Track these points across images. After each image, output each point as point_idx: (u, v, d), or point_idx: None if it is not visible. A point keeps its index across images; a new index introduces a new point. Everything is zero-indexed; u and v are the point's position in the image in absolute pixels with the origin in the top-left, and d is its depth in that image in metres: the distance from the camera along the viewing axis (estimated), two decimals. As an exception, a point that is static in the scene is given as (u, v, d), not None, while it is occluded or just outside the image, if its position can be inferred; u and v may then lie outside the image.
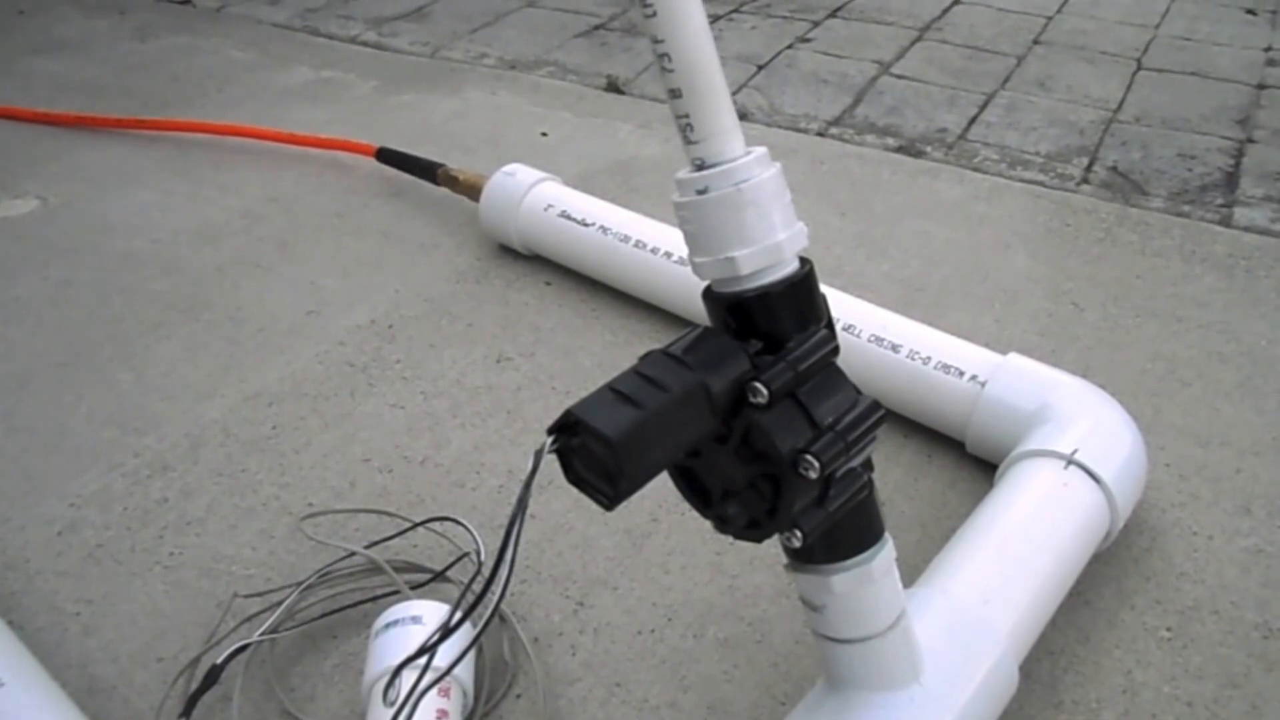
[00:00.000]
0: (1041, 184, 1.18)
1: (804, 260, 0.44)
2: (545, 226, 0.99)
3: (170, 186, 1.20)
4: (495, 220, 1.02)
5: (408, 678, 0.51)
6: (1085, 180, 1.19)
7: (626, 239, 0.94)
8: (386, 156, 1.17)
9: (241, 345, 0.93)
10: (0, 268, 1.04)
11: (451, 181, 1.10)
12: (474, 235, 1.08)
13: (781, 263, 0.42)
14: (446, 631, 0.38)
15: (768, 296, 0.42)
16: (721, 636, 0.66)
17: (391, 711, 0.54)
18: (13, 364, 0.91)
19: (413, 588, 0.66)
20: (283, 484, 0.78)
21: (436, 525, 0.70)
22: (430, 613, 0.59)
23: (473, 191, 1.07)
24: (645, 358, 0.42)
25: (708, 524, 0.71)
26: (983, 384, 0.74)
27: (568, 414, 0.39)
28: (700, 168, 0.42)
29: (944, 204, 1.14)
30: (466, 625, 0.59)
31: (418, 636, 0.58)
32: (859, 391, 0.44)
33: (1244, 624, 0.66)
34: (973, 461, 0.78)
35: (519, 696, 0.63)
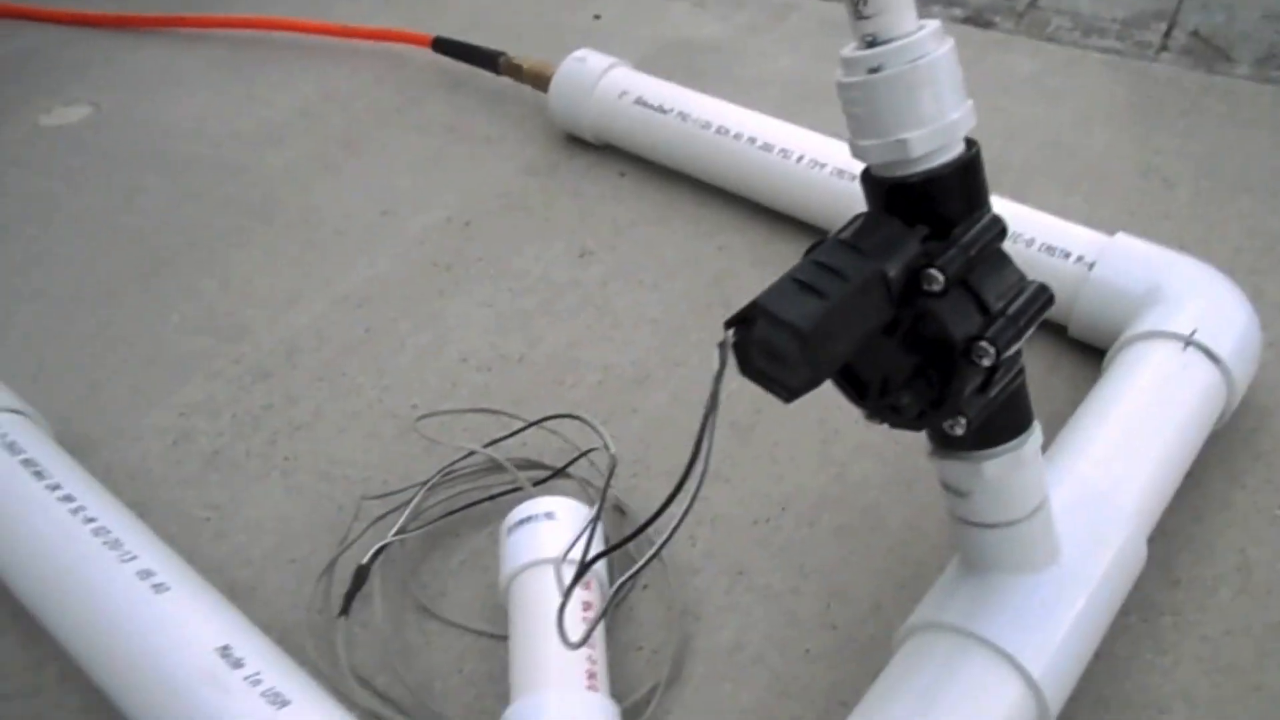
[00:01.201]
0: (1118, 53, 1.16)
1: (969, 141, 0.43)
2: (620, 115, 0.98)
3: (223, 86, 1.18)
4: (566, 110, 1.01)
5: (557, 574, 0.54)
6: (1164, 48, 1.17)
7: (707, 125, 0.93)
8: (443, 47, 1.16)
9: (320, 248, 0.94)
10: (67, 178, 1.04)
11: (514, 70, 1.08)
12: (539, 126, 1.07)
13: (952, 144, 0.42)
14: (661, 510, 0.40)
15: (938, 180, 0.42)
16: (836, 524, 0.68)
17: (540, 602, 0.57)
18: (98, 275, 0.92)
19: (534, 484, 0.68)
20: (383, 386, 0.80)
21: (549, 423, 0.71)
22: (562, 508, 0.61)
23: (538, 80, 1.05)
24: (819, 246, 0.42)
25: (811, 414, 0.73)
26: (1090, 265, 0.74)
27: (752, 305, 0.40)
28: (871, 44, 0.41)
29: (1018, 79, 1.12)
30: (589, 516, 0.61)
31: (552, 532, 0.60)
32: (1024, 274, 0.45)
33: (1358, 499, 0.67)
34: (1074, 346, 0.78)
35: (645, 587, 0.65)
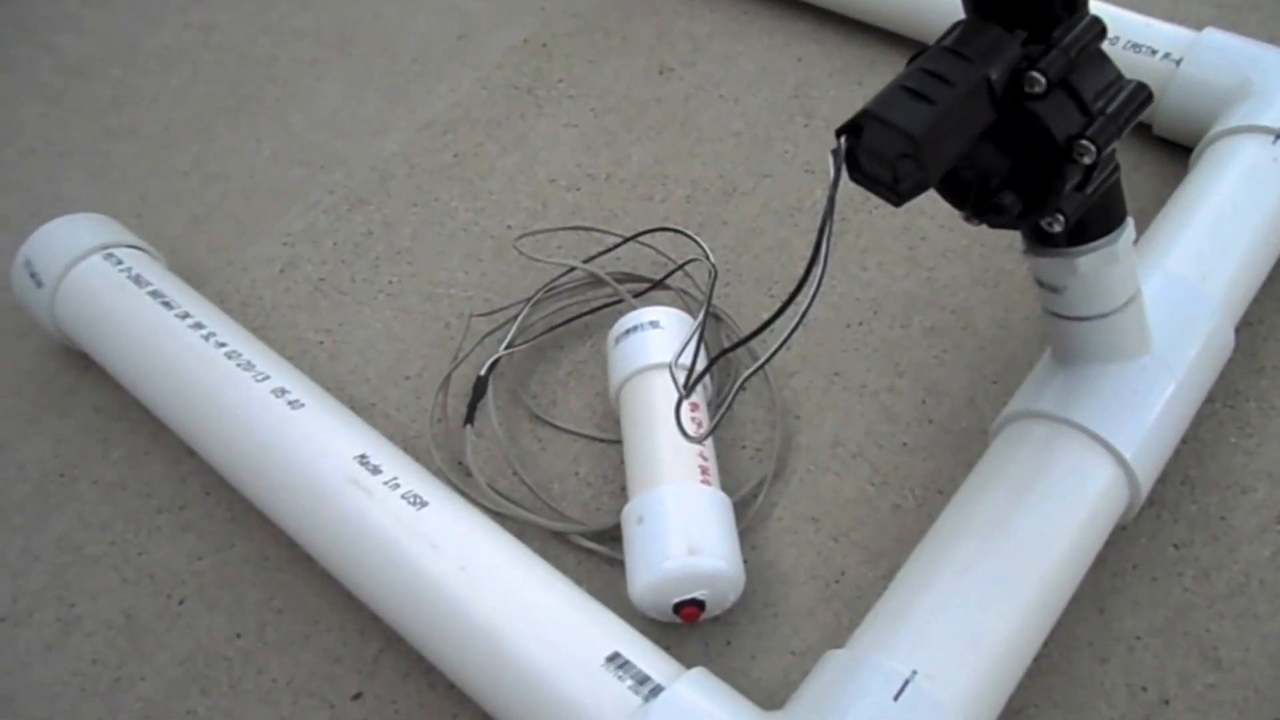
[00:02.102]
0: None
1: (1069, -59, 0.44)
2: (692, -76, 0.97)
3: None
4: (635, -79, 1.00)
5: (673, 376, 0.58)
6: None
7: (783, -69, 0.92)
8: None
9: (401, 76, 0.96)
10: (142, 16, 1.06)
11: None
12: (609, -60, 1.06)
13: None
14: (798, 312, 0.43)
15: (1038, -18, 0.43)
16: (927, 325, 0.71)
17: (651, 405, 0.61)
18: (187, 112, 0.95)
19: (634, 297, 0.72)
20: (477, 209, 0.83)
21: (644, 237, 0.74)
22: (665, 317, 0.65)
23: (605, -109, 1.04)
24: (924, 54, 0.44)
25: (898, 220, 0.75)
26: (1177, 61, 0.74)
27: (864, 113, 0.42)
28: None
29: None
30: (691, 322, 0.64)
31: (659, 339, 0.64)
32: (1121, 73, 0.46)
33: None
34: (1159, 144, 0.79)
35: (744, 389, 0.70)
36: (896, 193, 0.43)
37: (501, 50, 0.96)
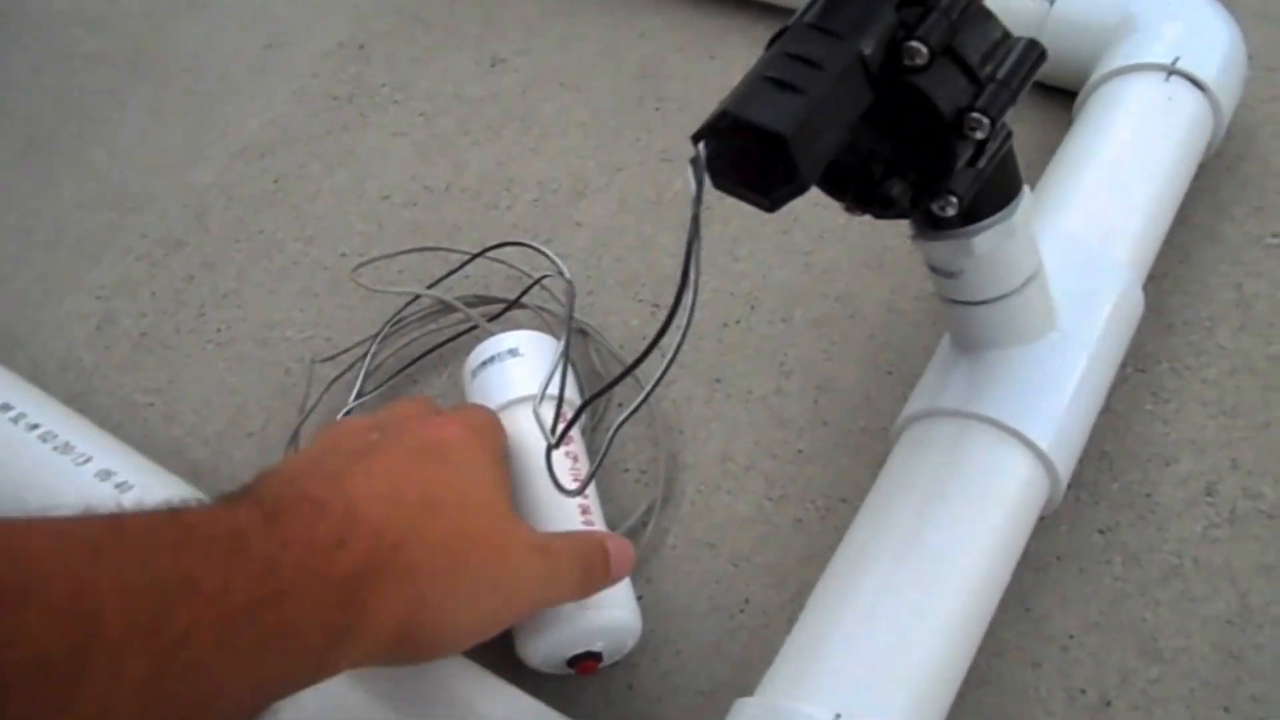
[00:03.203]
0: None
1: (935, -114, 0.38)
2: (510, -99, 0.88)
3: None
4: (448, -97, 0.91)
5: (539, 421, 0.50)
6: None
7: (608, -99, 0.84)
8: None
9: (208, 97, 0.85)
10: (-96, 53, 0.93)
11: None
12: (423, -76, 0.97)
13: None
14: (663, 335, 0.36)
15: (906, -64, 0.37)
16: (811, 317, 0.65)
17: (519, 444, 0.53)
18: (-34, 159, 0.83)
19: (488, 321, 0.64)
20: (306, 238, 0.73)
21: (494, 253, 0.66)
22: (525, 342, 0.57)
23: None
24: (785, 34, 0.37)
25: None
26: (1051, 1, 0.68)
27: (722, 114, 0.35)
28: None
29: None
30: (554, 344, 0.57)
31: (520, 369, 0.56)
32: (1009, 31, 0.40)
33: (1348, 210, 0.65)
34: (1038, 90, 0.73)
35: (620, 404, 0.62)
36: (770, 199, 0.36)
37: (315, 57, 0.86)
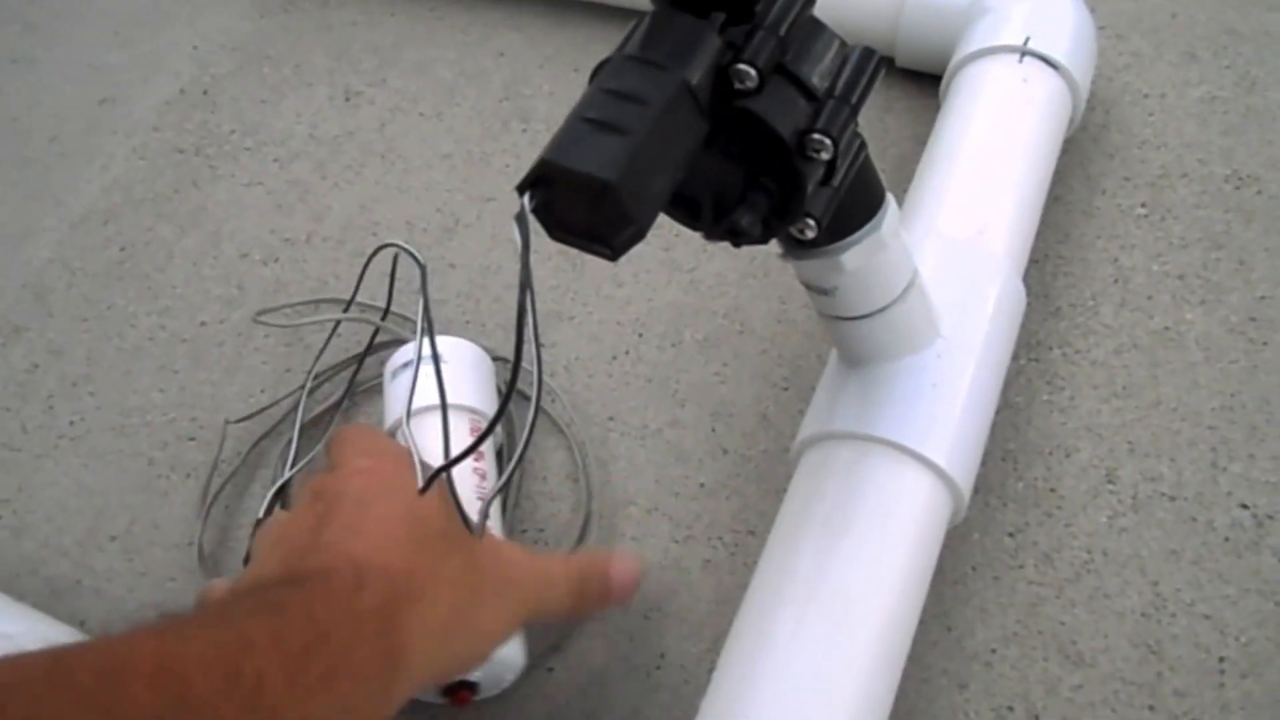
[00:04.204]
0: None
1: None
2: (347, -76, 0.87)
3: None
4: (283, -69, 0.90)
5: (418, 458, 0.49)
6: None
7: (450, -84, 0.83)
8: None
9: (39, 163, 0.83)
10: None
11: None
12: (259, -46, 0.96)
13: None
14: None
15: (722, -47, 0.37)
16: (699, 337, 0.65)
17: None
18: None
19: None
20: (160, 309, 0.72)
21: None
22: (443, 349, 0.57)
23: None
24: (603, 68, 0.37)
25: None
26: (906, -15, 0.70)
27: (542, 164, 0.35)
28: None
29: None
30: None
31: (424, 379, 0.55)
32: (843, 40, 0.41)
33: (1214, 179, 0.67)
34: (907, 76, 0.75)
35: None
36: (610, 246, 0.36)
37: (155, 108, 0.85)
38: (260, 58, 0.87)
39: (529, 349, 0.35)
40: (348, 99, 0.83)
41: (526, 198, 0.35)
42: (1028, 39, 0.63)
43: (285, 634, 0.36)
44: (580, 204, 0.35)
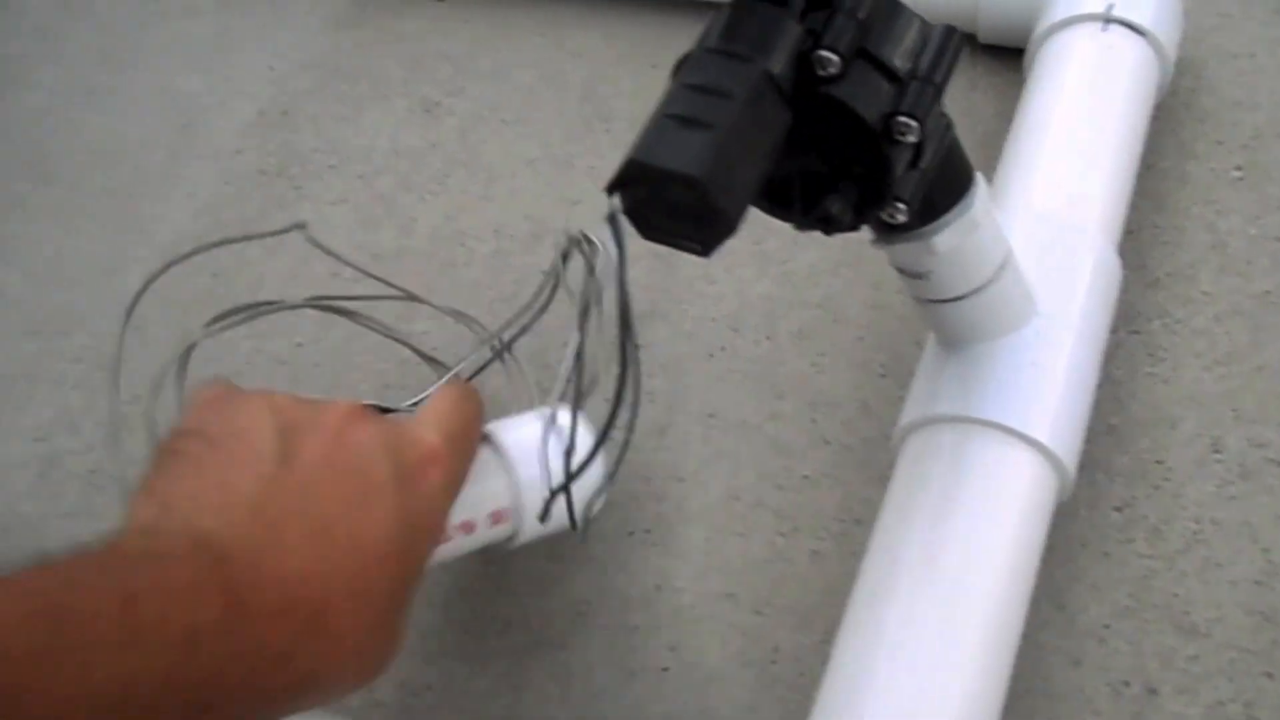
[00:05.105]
0: None
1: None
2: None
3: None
4: (351, -54, 0.96)
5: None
6: None
7: (518, -81, 0.89)
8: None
9: (124, 194, 0.90)
10: None
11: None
12: (326, -31, 1.02)
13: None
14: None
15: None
16: (795, 329, 0.69)
17: None
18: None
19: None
20: (257, 334, 0.78)
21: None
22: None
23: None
24: (684, 63, 0.41)
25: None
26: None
27: (629, 164, 0.38)
28: None
29: None
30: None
31: None
32: (924, 20, 0.44)
33: (1311, 132, 0.69)
34: (989, 52, 0.78)
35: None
36: (701, 242, 0.40)
37: (236, 131, 0.92)
38: (336, 74, 0.93)
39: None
40: (427, 110, 0.89)
41: (616, 198, 0.39)
42: (1111, 6, 0.66)
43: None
44: (670, 202, 0.39)
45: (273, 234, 0.67)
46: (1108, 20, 0.66)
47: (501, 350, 0.60)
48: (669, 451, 0.66)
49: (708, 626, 0.60)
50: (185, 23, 1.02)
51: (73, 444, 0.75)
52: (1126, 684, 0.53)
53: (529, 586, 0.62)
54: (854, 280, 0.70)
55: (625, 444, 0.41)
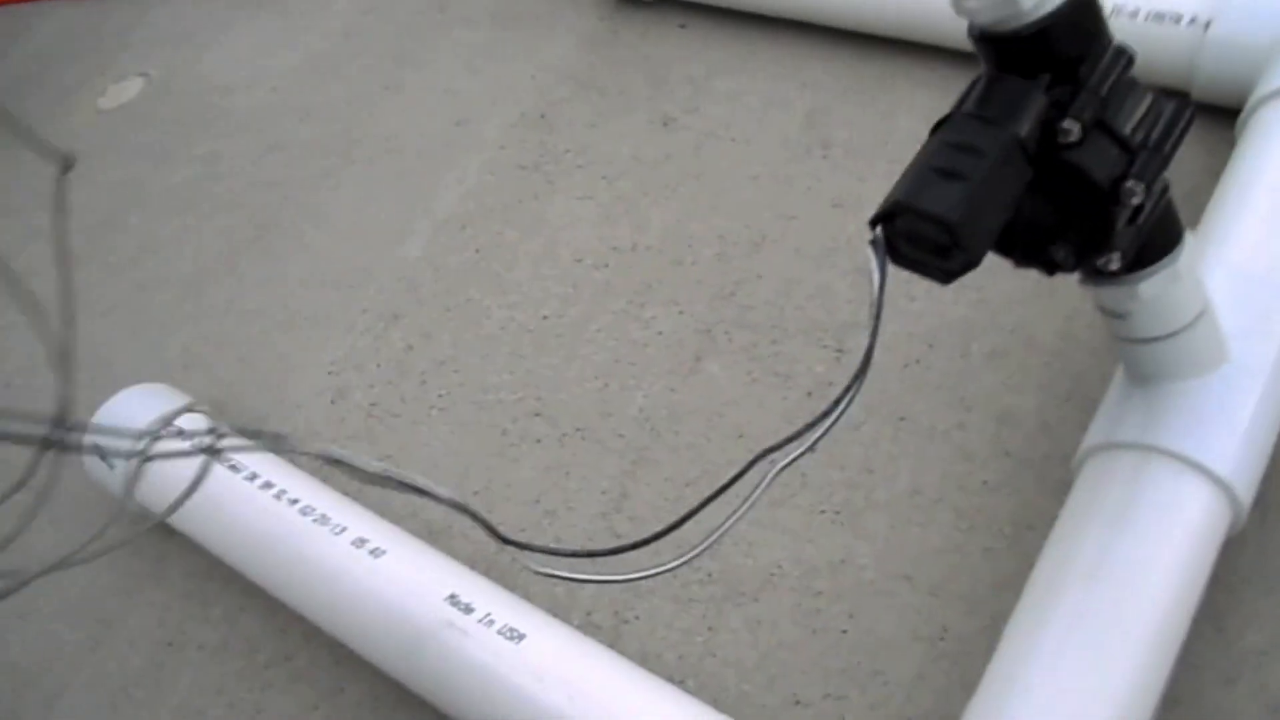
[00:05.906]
0: None
1: (1078, -24, 0.43)
2: (672, -32, 0.96)
3: (258, 23, 1.19)
4: (613, -27, 1.00)
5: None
6: None
7: (766, -40, 0.91)
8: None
9: (409, 175, 0.96)
10: (145, 157, 1.07)
11: (550, -58, 1.06)
12: (585, -6, 1.06)
13: (1062, -14, 0.42)
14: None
15: (1054, 26, 0.42)
16: (987, 350, 0.70)
17: None
18: (209, 249, 0.96)
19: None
20: (510, 304, 0.83)
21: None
22: None
23: (578, -52, 1.03)
24: (945, 124, 0.43)
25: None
26: (1205, 25, 0.71)
27: (894, 203, 0.41)
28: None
29: None
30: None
31: None
32: (1158, 94, 0.45)
33: None
34: (1202, 109, 0.76)
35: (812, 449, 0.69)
36: (945, 273, 0.42)
37: (501, 129, 0.96)
38: (590, 87, 0.97)
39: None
40: (665, 124, 0.92)
41: (879, 229, 0.42)
42: (1325, 84, 0.64)
43: None
44: (923, 238, 0.41)
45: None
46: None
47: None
48: (862, 446, 0.68)
49: (885, 601, 0.61)
50: (464, 32, 1.08)
51: (358, 380, 0.82)
52: (1277, 712, 0.53)
53: (731, 548, 0.65)
54: (1047, 311, 0.70)
55: (836, 418, 0.43)
